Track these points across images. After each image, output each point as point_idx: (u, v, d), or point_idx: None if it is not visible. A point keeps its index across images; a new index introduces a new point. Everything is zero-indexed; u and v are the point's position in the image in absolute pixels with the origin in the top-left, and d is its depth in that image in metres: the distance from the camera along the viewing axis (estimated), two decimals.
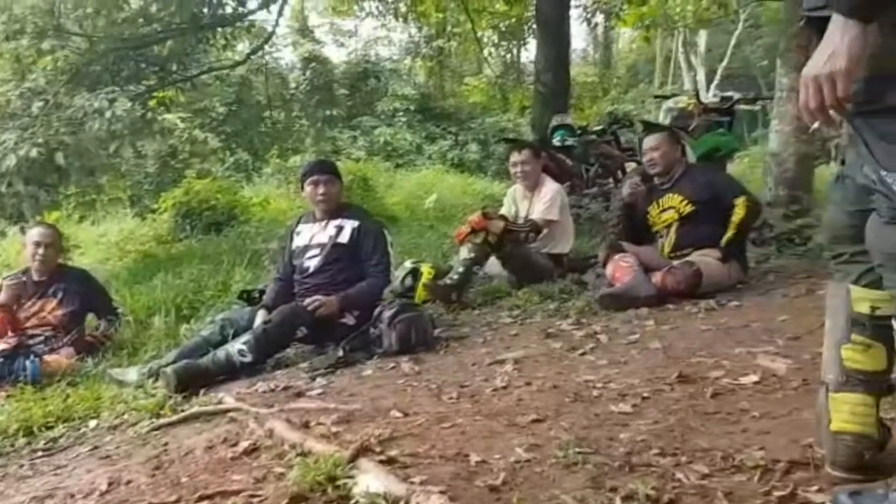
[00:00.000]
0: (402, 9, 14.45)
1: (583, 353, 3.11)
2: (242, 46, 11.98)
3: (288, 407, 2.72)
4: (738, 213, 4.11)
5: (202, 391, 3.22)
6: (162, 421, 2.85)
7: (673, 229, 4.30)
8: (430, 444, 2.14)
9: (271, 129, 15.08)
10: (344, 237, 3.90)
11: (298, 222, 4.18)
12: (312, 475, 1.89)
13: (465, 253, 4.56)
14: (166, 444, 2.58)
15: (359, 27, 24.47)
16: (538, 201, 4.88)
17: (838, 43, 1.33)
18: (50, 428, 3.07)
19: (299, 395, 2.96)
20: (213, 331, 3.78)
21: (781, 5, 6.63)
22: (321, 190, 3.94)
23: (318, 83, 17.39)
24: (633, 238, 4.42)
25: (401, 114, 18.78)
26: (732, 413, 2.22)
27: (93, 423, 3.06)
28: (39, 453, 2.81)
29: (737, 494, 1.69)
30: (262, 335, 3.51)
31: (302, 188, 4.11)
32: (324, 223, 3.98)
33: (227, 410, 2.80)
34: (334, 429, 2.35)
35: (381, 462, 1.98)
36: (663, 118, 6.42)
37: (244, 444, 2.34)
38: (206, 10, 8.26)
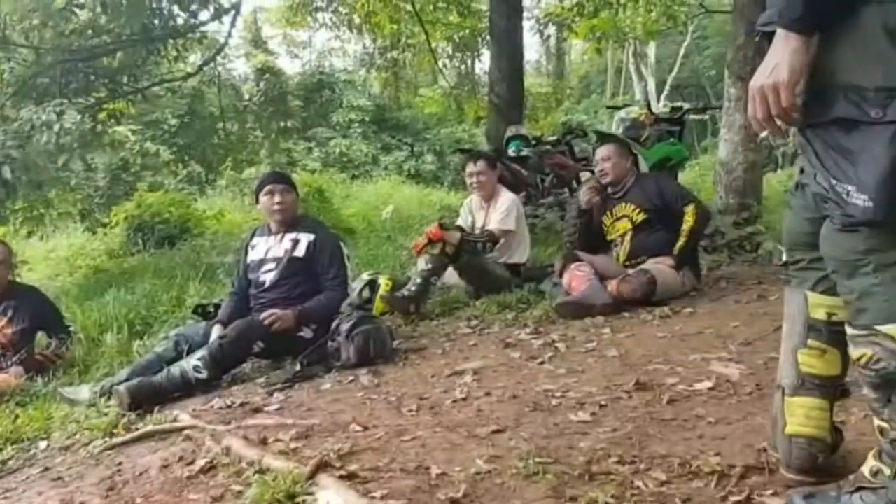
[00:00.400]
0: (356, 20, 14.43)
1: (541, 363, 3.13)
2: (195, 58, 11.85)
3: (245, 423, 2.68)
4: (689, 220, 4.20)
5: (157, 409, 3.15)
6: (115, 440, 2.79)
7: (627, 238, 4.37)
8: (391, 457, 2.13)
9: (225, 140, 14.90)
10: (300, 251, 3.86)
11: (253, 235, 4.13)
12: (271, 493, 1.87)
13: (422, 264, 4.56)
14: (120, 464, 2.52)
15: (312, 38, 24.46)
16: (494, 211, 4.91)
17: (781, 55, 1.39)
18: None
19: (257, 410, 2.92)
20: (167, 347, 3.71)
21: (728, 17, 6.79)
22: (277, 199, 3.89)
23: (273, 94, 17.25)
24: (589, 247, 4.49)
25: (356, 125, 18.77)
26: (688, 419, 2.26)
27: (43, 444, 2.99)
28: None
29: (694, 500, 1.72)
30: (217, 351, 3.46)
31: (257, 200, 4.07)
32: (279, 236, 3.94)
33: (183, 428, 2.74)
34: (293, 445, 2.32)
35: (341, 477, 1.97)
36: (616, 128, 6.50)
37: (200, 463, 2.31)
38: (156, 21, 8.15)
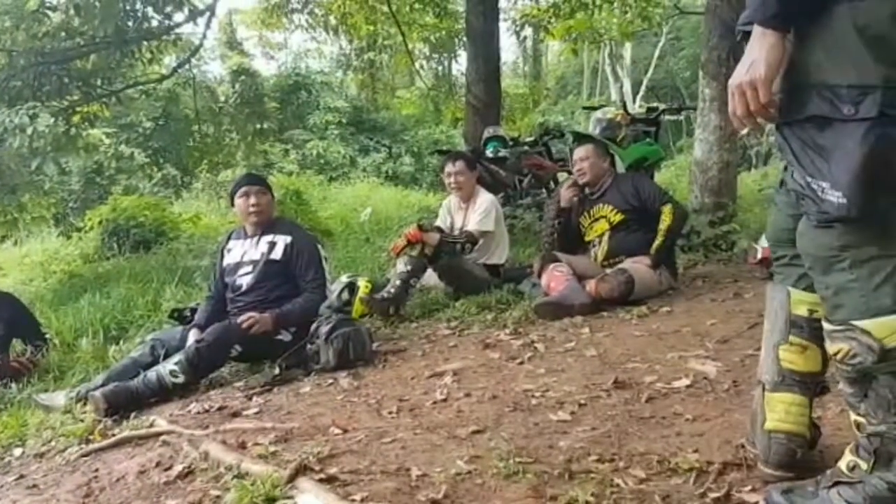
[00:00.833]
0: (332, 22, 14.37)
1: (521, 363, 3.14)
2: (169, 60, 11.74)
3: (223, 428, 2.66)
4: (666, 220, 4.24)
5: (133, 414, 3.12)
6: (91, 446, 2.75)
7: (605, 238, 4.40)
8: (371, 459, 2.13)
9: (200, 143, 14.79)
10: (277, 253, 3.84)
11: (229, 239, 4.09)
12: (250, 497, 1.86)
13: (401, 266, 4.55)
14: (97, 470, 2.49)
15: (288, 40, 24.33)
16: (473, 212, 4.91)
17: (758, 52, 1.41)
18: None
19: (235, 415, 2.90)
20: (143, 352, 3.67)
21: (701, 18, 6.85)
22: (252, 200, 3.87)
23: (248, 96, 17.17)
24: (567, 248, 4.51)
25: (333, 127, 18.72)
26: (667, 417, 2.28)
27: (18, 452, 2.95)
28: None
29: (674, 497, 1.73)
30: (194, 355, 3.42)
31: (232, 203, 4.03)
32: (255, 239, 3.91)
33: (160, 433, 2.72)
34: (272, 448, 2.31)
35: (321, 480, 1.96)
36: (592, 129, 6.53)
37: (178, 468, 2.28)
38: (130, 23, 8.06)
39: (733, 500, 1.70)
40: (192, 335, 3.67)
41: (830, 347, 1.49)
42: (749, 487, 1.73)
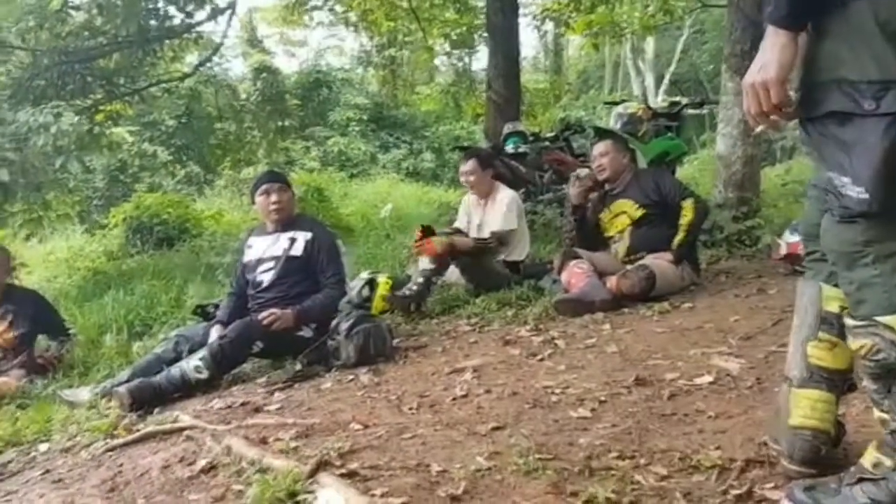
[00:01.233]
0: (353, 18, 14.42)
1: (541, 359, 3.13)
2: (191, 58, 11.83)
3: (245, 423, 2.68)
4: (687, 215, 4.20)
5: (157, 410, 3.17)
6: (116, 441, 2.78)
7: (626, 234, 4.36)
8: (391, 455, 2.13)
9: (222, 140, 14.91)
10: (297, 250, 3.86)
11: (250, 235, 4.12)
12: (272, 492, 1.88)
13: (424, 263, 4.54)
14: (121, 465, 2.52)
15: (309, 37, 24.42)
16: (494, 210, 4.88)
17: (770, 52, 1.41)
18: None
19: (257, 410, 2.92)
20: (166, 348, 3.71)
21: (724, 11, 6.78)
22: (273, 198, 3.89)
23: (270, 94, 17.26)
24: (588, 244, 4.48)
25: (354, 123, 18.74)
26: (689, 414, 2.26)
27: (44, 447, 2.98)
28: None
29: (695, 494, 1.72)
30: (217, 351, 3.45)
31: (253, 201, 4.06)
32: (276, 236, 3.93)
33: (184, 429, 2.74)
34: (293, 444, 2.32)
35: (342, 475, 1.97)
36: (613, 124, 6.49)
37: (201, 463, 2.31)
38: (152, 22, 8.14)
39: (755, 496, 1.69)
40: (215, 331, 3.71)
41: (853, 343, 1.48)
42: (771, 484, 1.72)
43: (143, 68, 8.95)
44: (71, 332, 4.65)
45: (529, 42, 27.46)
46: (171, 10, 8.44)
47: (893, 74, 1.30)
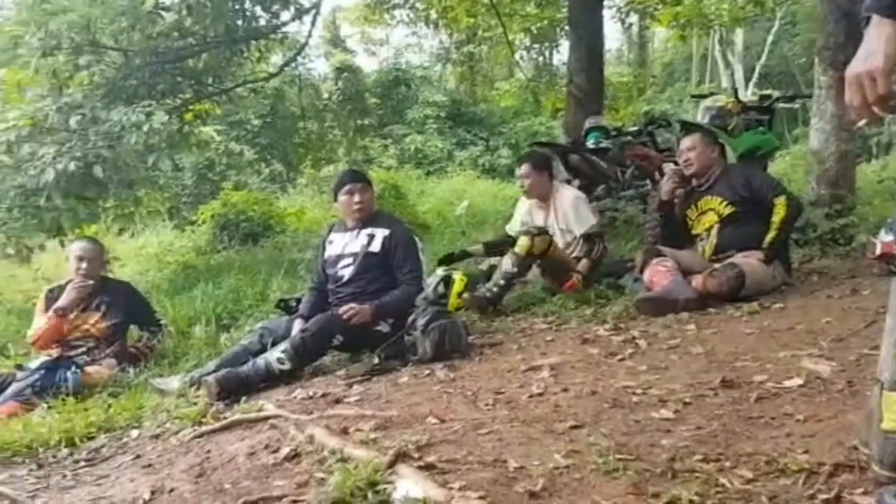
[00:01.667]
0: (433, 16, 14.47)
1: (621, 359, 3.07)
2: (276, 58, 12.11)
3: (327, 413, 2.73)
4: (779, 212, 4.04)
5: (243, 399, 3.26)
6: (204, 429, 2.88)
7: (714, 232, 4.23)
8: (468, 450, 2.13)
9: (305, 139, 15.23)
10: (375, 246, 3.92)
11: (330, 231, 4.20)
12: (353, 480, 1.90)
13: (508, 265, 4.43)
14: (209, 451, 2.61)
15: (390, 35, 24.69)
16: (559, 213, 4.79)
17: (876, 42, 1.36)
18: (91, 438, 3.12)
19: (337, 401, 2.97)
20: (252, 340, 3.82)
21: (816, 2, 6.50)
22: (357, 198, 3.96)
23: (351, 92, 17.56)
24: (672, 242, 4.35)
25: (431, 121, 18.87)
26: (776, 417, 2.18)
27: (135, 433, 3.11)
28: (82, 463, 2.85)
29: (781, 498, 1.66)
30: (299, 344, 3.54)
31: (335, 199, 4.13)
32: (355, 232, 4.00)
33: (268, 417, 2.81)
34: (372, 435, 2.35)
35: (420, 468, 1.98)
36: (701, 118, 6.29)
37: (285, 451, 2.37)
38: (240, 23, 8.33)
39: (844, 502, 1.62)
40: (297, 325, 3.79)
41: None
42: (861, 490, 1.65)
43: (231, 68, 9.17)
44: (162, 323, 4.80)
45: (613, 34, 27.01)
46: (258, 10, 8.64)
47: None
